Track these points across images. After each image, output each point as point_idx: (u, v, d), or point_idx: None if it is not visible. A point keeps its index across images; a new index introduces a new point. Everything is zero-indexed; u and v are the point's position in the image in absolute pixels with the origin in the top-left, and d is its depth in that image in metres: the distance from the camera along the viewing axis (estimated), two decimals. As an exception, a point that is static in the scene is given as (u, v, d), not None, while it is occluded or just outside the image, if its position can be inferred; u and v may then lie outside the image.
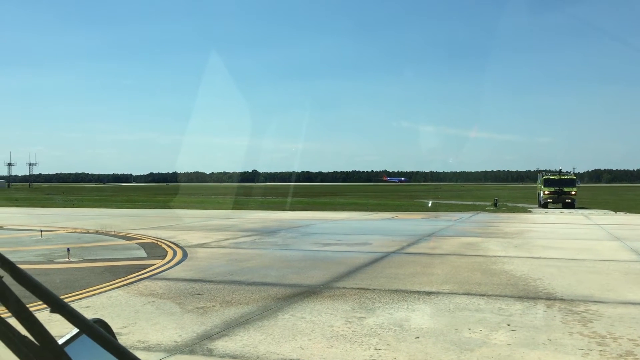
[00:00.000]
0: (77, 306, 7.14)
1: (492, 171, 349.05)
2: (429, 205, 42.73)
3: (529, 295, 8.87)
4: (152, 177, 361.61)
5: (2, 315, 0.92)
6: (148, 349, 6.05)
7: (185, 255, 13.47)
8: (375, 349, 6.01)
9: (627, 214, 32.25)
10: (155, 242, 16.19)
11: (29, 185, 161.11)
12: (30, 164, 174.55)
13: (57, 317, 0.99)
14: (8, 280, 0.93)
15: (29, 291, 0.95)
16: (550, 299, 8.59)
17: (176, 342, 6.28)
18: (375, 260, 12.66)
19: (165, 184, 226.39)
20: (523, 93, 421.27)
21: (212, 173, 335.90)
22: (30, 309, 0.93)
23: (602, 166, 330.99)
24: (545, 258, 13.06)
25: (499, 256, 13.30)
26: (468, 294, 8.95)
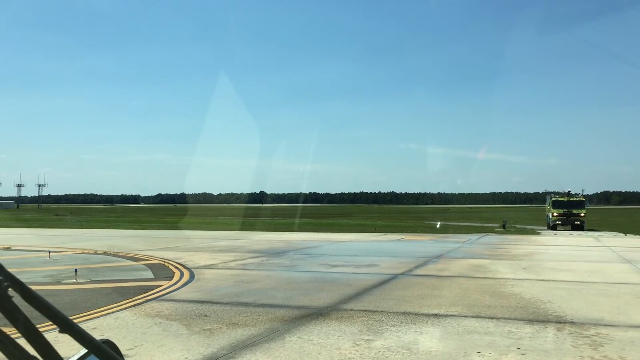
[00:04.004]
0: (83, 327, 7.12)
1: (500, 193, 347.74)
2: (437, 226, 42.54)
3: (539, 318, 8.77)
4: (161, 198, 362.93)
5: (12, 336, 0.93)
6: (154, 371, 6.01)
7: (192, 276, 13.44)
8: (383, 373, 5.94)
9: (637, 236, 31.93)
10: (162, 263, 16.18)
11: (38, 206, 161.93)
12: (39, 185, 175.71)
13: (65, 337, 1.00)
14: (17, 300, 0.94)
15: (38, 311, 0.96)
16: (560, 322, 8.49)
17: (182, 364, 6.24)
18: (383, 282, 12.58)
19: (173, 204, 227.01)
20: (531, 115, 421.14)
21: (220, 194, 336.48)
22: (40, 329, 0.94)
23: (611, 188, 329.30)
24: (554, 280, 12.93)
25: (508, 278, 13.19)
26: (477, 316, 8.86)
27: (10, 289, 0.92)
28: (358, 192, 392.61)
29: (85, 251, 20.12)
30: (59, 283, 12.39)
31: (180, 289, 11.55)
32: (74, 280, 12.52)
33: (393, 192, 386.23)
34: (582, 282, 12.77)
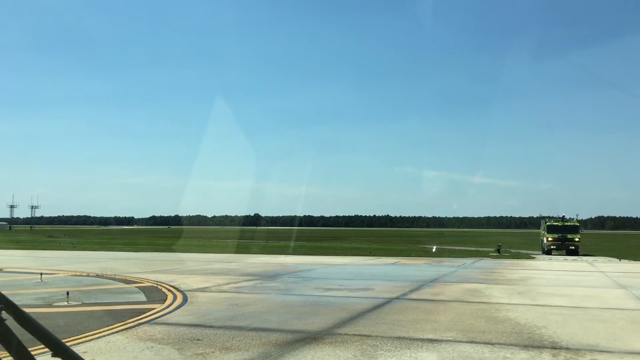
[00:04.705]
0: (74, 351, 7.01)
1: (495, 217, 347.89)
2: (433, 250, 42.50)
3: (534, 344, 8.72)
4: (154, 220, 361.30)
5: (4, 359, 0.92)
6: (145, 396, 5.92)
7: (185, 299, 13.33)
8: (378, 399, 5.87)
9: (632, 261, 31.96)
10: (155, 285, 16.05)
11: (31, 227, 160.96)
12: (32, 207, 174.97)
13: (57, 361, 0.99)
14: (10, 323, 0.93)
15: (31, 334, 0.95)
16: (555, 347, 8.44)
17: (174, 389, 6.16)
18: (377, 306, 12.50)
19: (167, 227, 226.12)
20: (526, 140, 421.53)
21: (214, 216, 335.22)
22: (32, 353, 0.93)
23: (606, 213, 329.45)
24: (549, 306, 12.89)
25: (503, 303, 13.14)
26: (472, 342, 8.80)
27: (3, 312, 0.92)
28: (353, 215, 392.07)
29: (77, 273, 19.95)
30: (50, 306, 12.26)
31: (173, 312, 11.44)
32: (66, 303, 12.39)
33: (388, 215, 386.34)
34: (577, 307, 12.73)
